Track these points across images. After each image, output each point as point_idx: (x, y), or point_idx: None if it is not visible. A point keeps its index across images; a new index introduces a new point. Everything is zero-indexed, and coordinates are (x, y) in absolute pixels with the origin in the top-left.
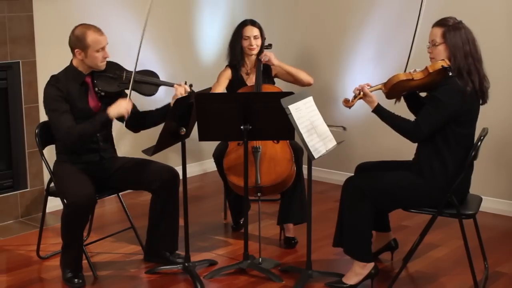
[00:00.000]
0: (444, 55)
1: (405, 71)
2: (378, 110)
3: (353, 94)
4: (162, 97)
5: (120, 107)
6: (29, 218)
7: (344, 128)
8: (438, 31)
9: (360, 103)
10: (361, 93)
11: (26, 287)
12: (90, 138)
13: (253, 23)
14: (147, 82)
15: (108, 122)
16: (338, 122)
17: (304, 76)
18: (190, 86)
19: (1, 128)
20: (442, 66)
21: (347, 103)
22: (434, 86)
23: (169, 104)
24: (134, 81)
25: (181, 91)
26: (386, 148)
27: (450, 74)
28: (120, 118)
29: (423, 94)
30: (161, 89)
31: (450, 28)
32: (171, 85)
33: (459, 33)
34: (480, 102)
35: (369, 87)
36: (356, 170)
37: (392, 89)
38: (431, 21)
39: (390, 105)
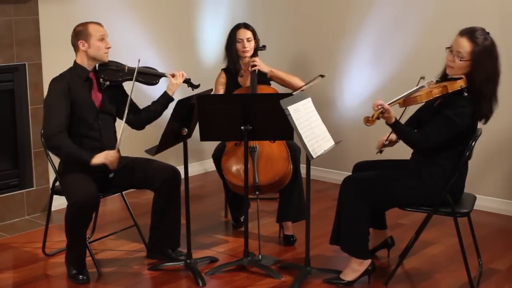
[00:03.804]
0: (465, 71)
1: (417, 84)
2: (396, 125)
3: (375, 113)
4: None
5: (102, 157)
6: (35, 216)
7: (322, 76)
8: (468, 46)
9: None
10: (380, 110)
11: (32, 284)
12: (64, 156)
13: (246, 26)
14: (148, 73)
15: (86, 163)
16: (337, 123)
17: (296, 81)
18: (189, 79)
19: (8, 129)
20: (461, 87)
21: (369, 123)
22: (447, 101)
23: (165, 92)
24: (137, 71)
25: (176, 81)
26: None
27: (466, 94)
28: (109, 171)
29: None
30: (162, 82)
31: (481, 47)
32: (163, 74)
33: (489, 54)
34: (483, 121)
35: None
36: (353, 169)
37: (409, 104)
38: (425, 22)
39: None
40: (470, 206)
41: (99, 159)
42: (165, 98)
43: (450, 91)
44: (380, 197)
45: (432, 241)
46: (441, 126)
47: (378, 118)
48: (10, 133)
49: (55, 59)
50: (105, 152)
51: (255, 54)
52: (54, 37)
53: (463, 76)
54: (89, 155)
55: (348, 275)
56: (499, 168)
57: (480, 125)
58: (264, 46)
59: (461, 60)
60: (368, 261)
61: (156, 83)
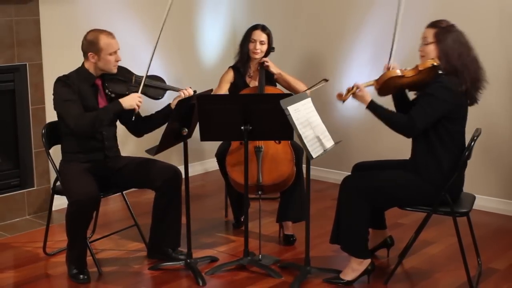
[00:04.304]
0: (434, 54)
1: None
2: (372, 106)
3: (346, 89)
4: (167, 102)
5: (133, 99)
6: (36, 216)
7: (326, 80)
8: (431, 31)
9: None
10: (354, 87)
11: (33, 283)
12: (101, 125)
13: (263, 29)
14: (155, 86)
15: (120, 112)
16: (336, 123)
17: (301, 87)
18: (194, 92)
19: (9, 129)
20: (432, 64)
21: (341, 97)
22: (425, 84)
23: (169, 104)
24: (144, 85)
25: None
26: (383, 148)
27: (440, 72)
28: (130, 114)
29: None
30: (167, 94)
31: (443, 30)
32: (176, 89)
33: (451, 35)
34: (468, 102)
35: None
36: (353, 170)
37: (384, 85)
38: (424, 21)
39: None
40: (469, 206)
41: (128, 102)
42: (168, 112)
43: (421, 68)
44: (379, 197)
45: (431, 240)
46: (423, 104)
47: (349, 92)
48: (11, 133)
49: (56, 59)
50: (131, 95)
51: (265, 57)
52: (55, 38)
53: (434, 57)
54: (116, 104)
55: (348, 275)
56: (498, 168)
57: (478, 124)
58: (273, 48)
59: (427, 44)
60: (368, 261)
61: (161, 98)
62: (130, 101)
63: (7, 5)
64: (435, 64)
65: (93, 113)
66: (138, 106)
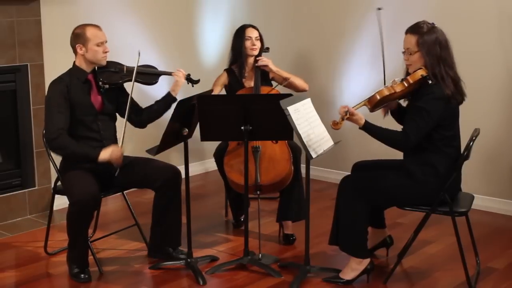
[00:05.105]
0: (421, 62)
1: (384, 83)
2: (367, 127)
3: (340, 116)
4: (164, 91)
5: (108, 153)
6: (37, 216)
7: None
8: (413, 39)
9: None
10: (348, 113)
11: (34, 282)
12: (69, 156)
13: (253, 26)
14: (147, 72)
15: (92, 160)
16: None
17: (299, 82)
18: (188, 75)
19: (10, 129)
20: (421, 75)
21: (336, 126)
22: (416, 94)
23: (169, 92)
24: (136, 72)
25: (181, 78)
26: (383, 148)
27: (430, 82)
28: (113, 168)
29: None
30: (162, 82)
31: (424, 36)
32: (169, 73)
33: (433, 40)
34: (459, 101)
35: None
36: (352, 169)
37: (377, 104)
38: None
39: (379, 119)
40: (468, 206)
41: (104, 155)
42: (169, 99)
43: (411, 81)
44: (377, 197)
45: (430, 240)
46: (416, 118)
47: (343, 119)
48: (12, 133)
49: (57, 60)
50: (111, 148)
51: (260, 55)
52: (56, 38)
53: (422, 67)
54: (94, 152)
55: (347, 274)
56: (497, 168)
57: (477, 124)
58: (267, 48)
59: (412, 54)
60: (367, 260)
61: (155, 83)
62: (106, 154)
63: (8, 5)
64: (424, 74)
65: (72, 141)
66: (117, 162)
